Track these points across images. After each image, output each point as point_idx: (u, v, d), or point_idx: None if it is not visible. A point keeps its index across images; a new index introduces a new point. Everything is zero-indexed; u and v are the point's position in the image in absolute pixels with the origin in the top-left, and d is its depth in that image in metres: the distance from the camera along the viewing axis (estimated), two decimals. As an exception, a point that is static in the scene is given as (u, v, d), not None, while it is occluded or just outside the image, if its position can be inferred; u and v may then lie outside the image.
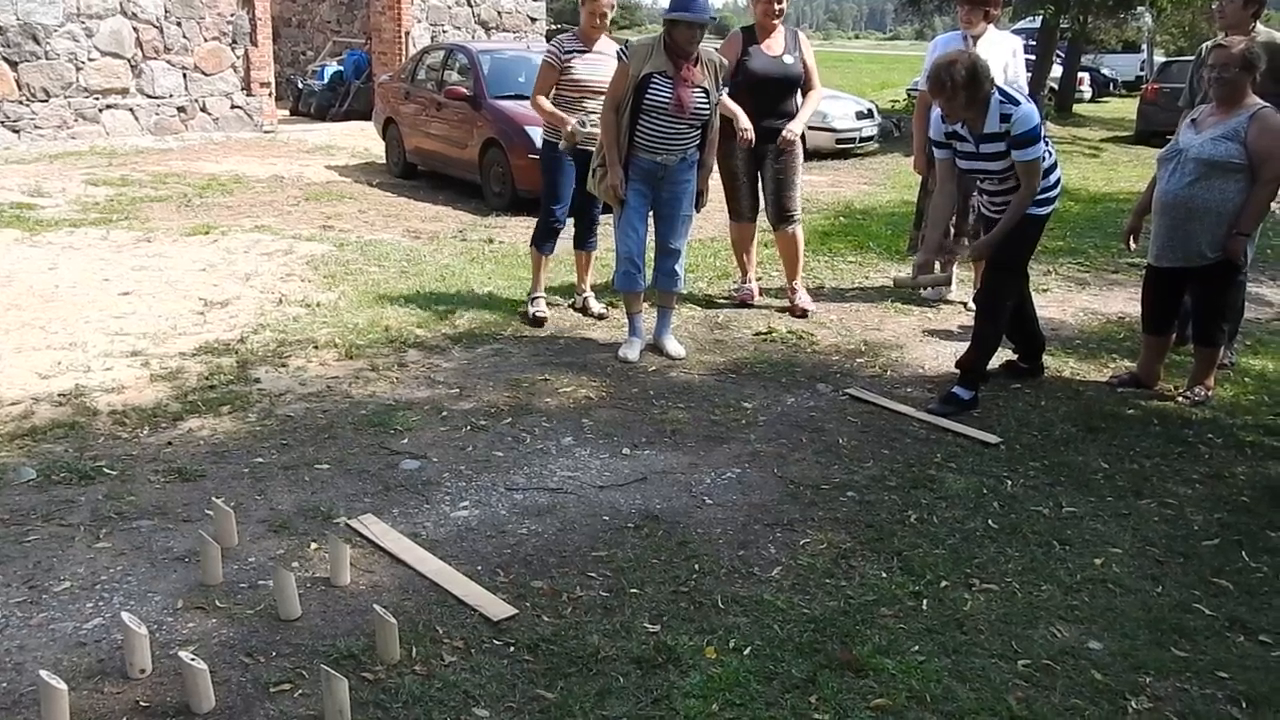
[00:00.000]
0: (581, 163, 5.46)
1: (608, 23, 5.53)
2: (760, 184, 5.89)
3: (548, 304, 5.75)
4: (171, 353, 4.92)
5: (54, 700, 2.30)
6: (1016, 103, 4.28)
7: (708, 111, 4.95)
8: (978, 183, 4.75)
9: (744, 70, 5.62)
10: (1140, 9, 20.74)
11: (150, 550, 3.14)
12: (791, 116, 5.73)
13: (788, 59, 5.68)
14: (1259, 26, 5.16)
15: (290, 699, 2.49)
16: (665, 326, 5.26)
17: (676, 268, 5.20)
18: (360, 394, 4.49)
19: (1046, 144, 4.45)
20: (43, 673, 2.33)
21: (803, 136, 5.86)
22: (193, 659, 2.42)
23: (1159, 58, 27.84)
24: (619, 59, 5.03)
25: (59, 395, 4.34)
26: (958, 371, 4.65)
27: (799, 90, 5.80)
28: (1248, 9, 5.02)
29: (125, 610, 2.72)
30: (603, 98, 5.37)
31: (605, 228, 6.21)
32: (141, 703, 2.45)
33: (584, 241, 5.83)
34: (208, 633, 2.74)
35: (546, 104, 5.48)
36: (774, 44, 5.69)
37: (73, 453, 3.80)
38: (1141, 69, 30.33)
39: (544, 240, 5.70)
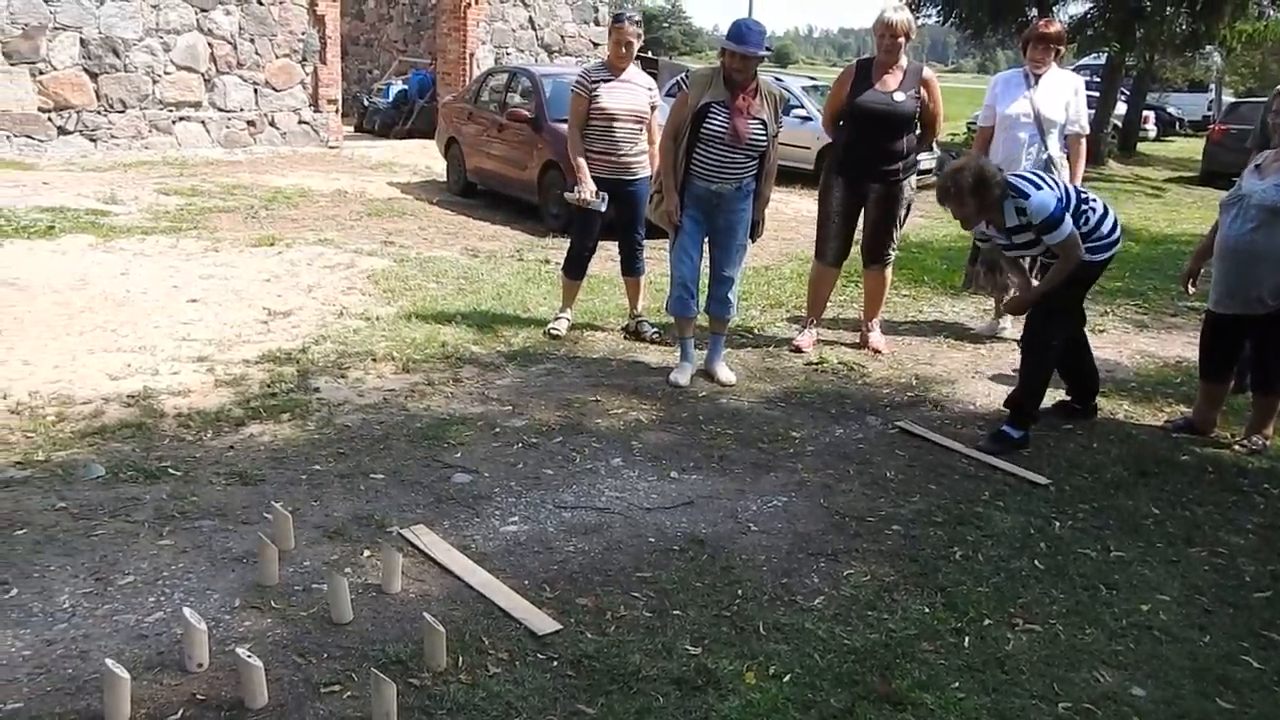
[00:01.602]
0: (616, 192, 5.64)
1: (634, 51, 5.62)
2: (855, 224, 5.79)
3: (602, 328, 5.84)
4: (235, 359, 5.06)
5: (117, 688, 2.40)
6: (1026, 194, 4.29)
7: (764, 142, 4.99)
8: None
9: (850, 104, 5.56)
10: (1209, 48, 20.49)
11: (210, 549, 3.24)
12: (901, 156, 5.59)
13: (899, 96, 5.49)
14: None
15: (339, 700, 2.56)
16: (717, 353, 5.30)
17: (730, 295, 5.26)
18: (416, 407, 4.59)
19: (1087, 201, 4.48)
20: (109, 661, 2.43)
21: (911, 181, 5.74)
22: (249, 656, 2.51)
23: (1227, 97, 27.46)
24: (680, 87, 5.13)
25: (128, 396, 4.49)
26: (1007, 410, 4.64)
27: (912, 129, 5.62)
28: None
29: (186, 606, 2.81)
30: (630, 125, 5.57)
31: (657, 252, 6.31)
32: (198, 696, 2.53)
33: (630, 267, 5.92)
34: (263, 631, 2.82)
35: (576, 150, 5.63)
36: (890, 80, 5.51)
37: (140, 452, 3.93)
38: (1209, 109, 29.96)
39: (573, 268, 5.87)
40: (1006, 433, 4.50)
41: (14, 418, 4.20)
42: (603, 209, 5.63)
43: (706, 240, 5.21)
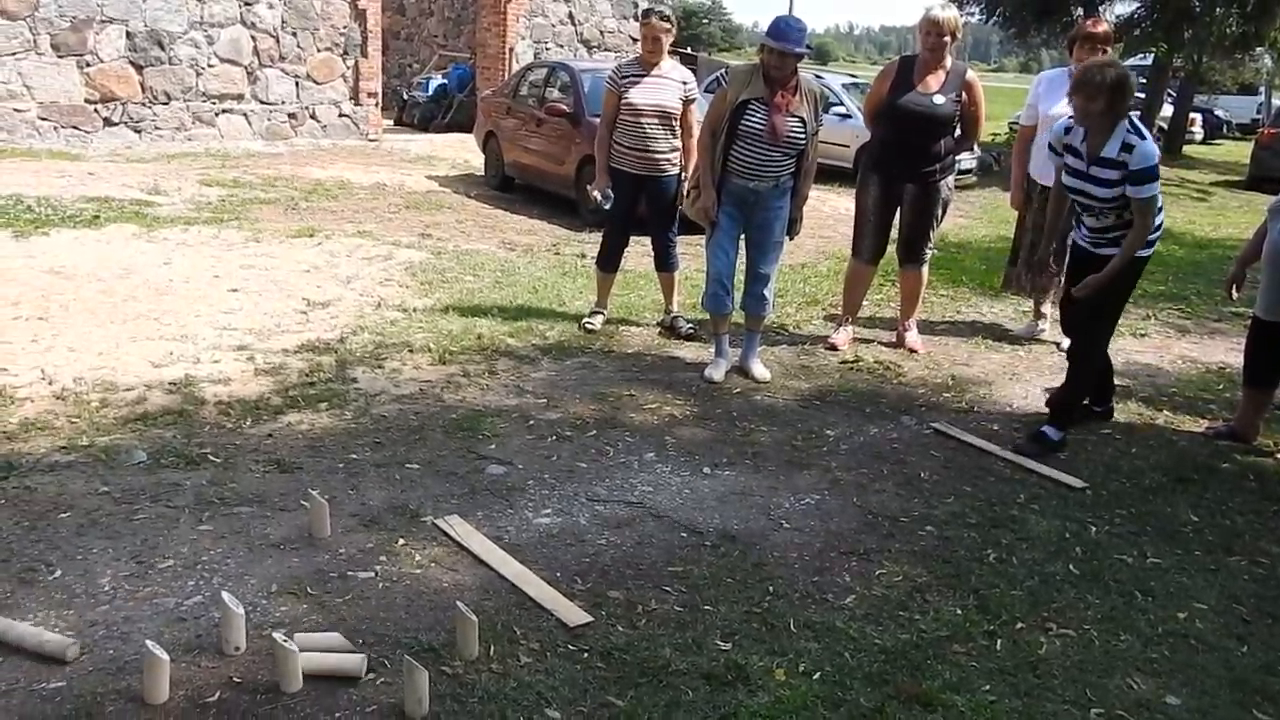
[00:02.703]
0: (646, 188, 5.69)
1: (664, 46, 5.60)
2: (890, 222, 5.76)
3: (637, 323, 5.86)
4: (275, 349, 5.13)
5: (157, 669, 2.44)
6: (1143, 137, 4.20)
7: (803, 140, 4.97)
8: (1077, 209, 4.58)
9: (889, 104, 5.50)
10: (1260, 50, 20.14)
11: (249, 535, 3.29)
12: (938, 157, 5.53)
13: (939, 99, 5.42)
14: None
15: (373, 686, 2.59)
16: (751, 350, 5.30)
17: (765, 292, 5.24)
18: (451, 399, 4.62)
19: None
20: (149, 643, 2.47)
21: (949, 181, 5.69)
22: (285, 640, 2.54)
23: (1277, 101, 26.96)
24: (719, 83, 5.13)
25: (170, 384, 4.56)
26: (1046, 411, 4.60)
27: (951, 131, 5.55)
28: None
29: (224, 590, 2.86)
30: (659, 120, 5.57)
31: (692, 249, 6.31)
32: (234, 678, 2.58)
33: (664, 263, 5.92)
34: (298, 617, 2.86)
35: (600, 144, 5.71)
36: (932, 81, 5.45)
37: (181, 439, 3.99)
38: (1258, 112, 29.43)
39: (605, 261, 5.90)
40: (1046, 434, 4.45)
41: (59, 403, 4.28)
42: (606, 206, 5.71)
43: (743, 237, 5.20)
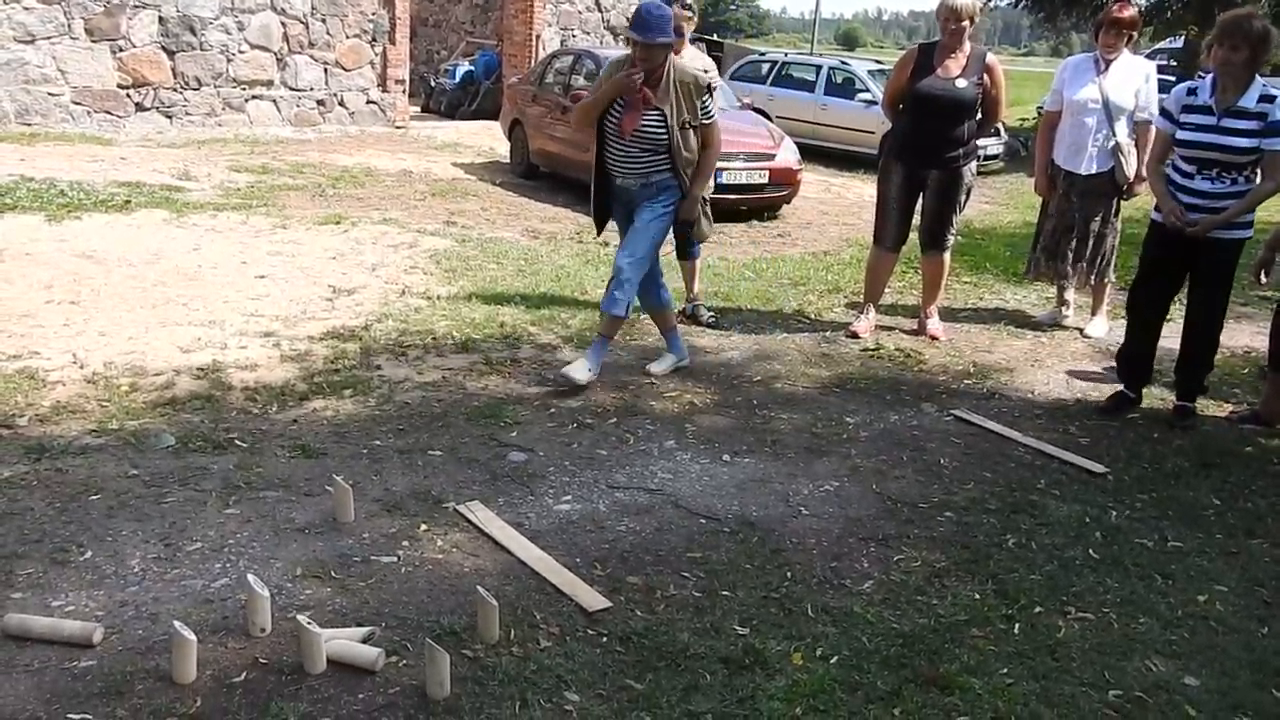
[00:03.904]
0: None
1: (685, 34, 5.56)
2: (913, 209, 5.74)
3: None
4: (301, 335, 5.19)
5: (184, 649, 2.50)
6: (1276, 94, 4.23)
7: (663, 136, 4.59)
8: (1177, 178, 4.51)
9: (911, 90, 5.49)
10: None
11: (274, 519, 3.35)
12: (961, 142, 5.51)
13: (960, 83, 5.41)
14: None
15: (395, 668, 2.64)
16: (595, 353, 4.77)
17: (616, 292, 4.66)
18: (474, 386, 4.66)
19: None
20: (176, 623, 2.53)
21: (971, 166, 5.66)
22: (309, 623, 2.59)
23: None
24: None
25: (198, 369, 4.63)
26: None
27: (974, 116, 5.53)
28: None
29: (250, 573, 2.92)
30: None
31: (714, 237, 6.29)
32: (260, 659, 2.63)
33: (684, 250, 5.93)
34: (323, 600, 2.92)
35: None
36: (952, 66, 5.43)
37: (208, 423, 4.06)
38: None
39: None
40: (1189, 408, 4.73)
41: (90, 387, 4.36)
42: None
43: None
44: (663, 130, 4.58)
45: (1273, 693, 2.74)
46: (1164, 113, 4.59)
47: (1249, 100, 4.21)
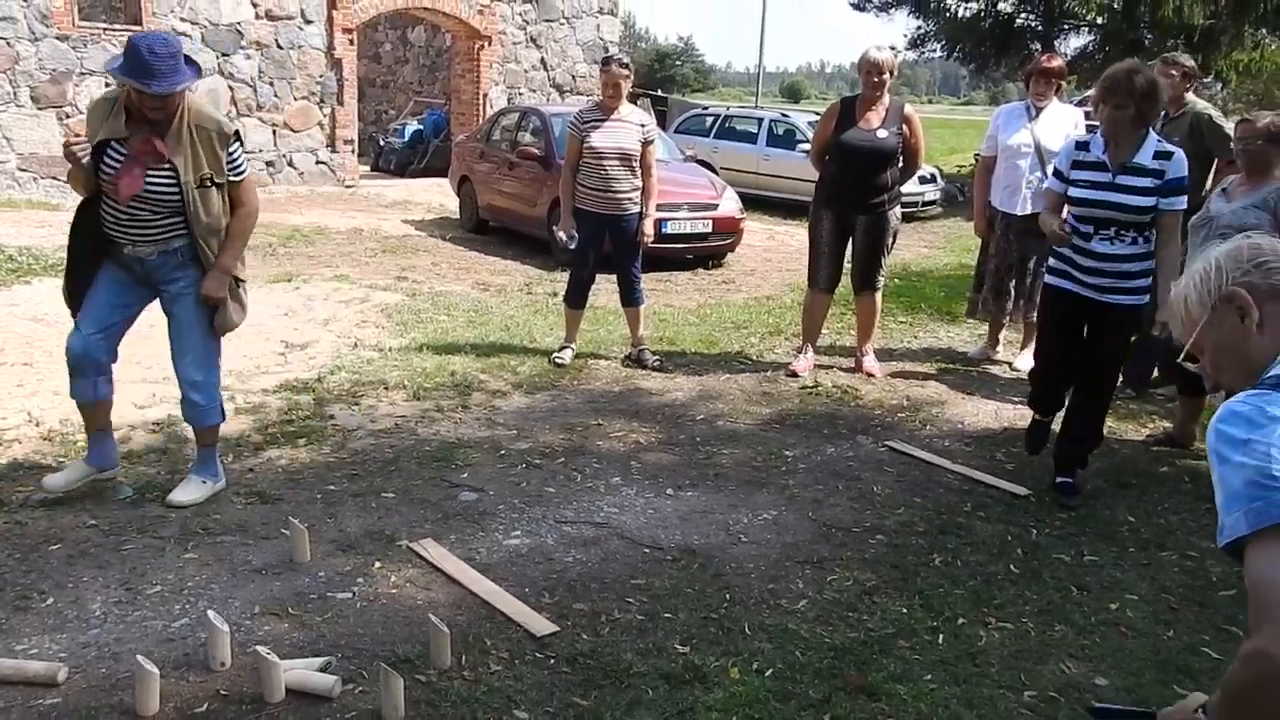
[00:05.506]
0: (610, 227, 5.93)
1: (623, 92, 5.86)
2: (844, 252, 6.01)
3: (601, 356, 6.06)
4: (255, 389, 5.31)
5: (147, 683, 2.61)
6: (1174, 151, 4.08)
7: (174, 195, 3.64)
8: (1077, 238, 4.17)
9: (835, 141, 5.77)
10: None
11: (232, 562, 3.46)
12: (885, 188, 5.77)
13: (882, 133, 5.69)
14: (1189, 97, 5.71)
15: (352, 695, 2.76)
16: (194, 468, 4.04)
17: (195, 396, 3.98)
18: (425, 432, 4.81)
19: None
20: (139, 657, 2.65)
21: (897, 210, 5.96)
22: (268, 653, 2.72)
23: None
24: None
25: (153, 424, 4.73)
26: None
27: (895, 163, 5.80)
28: (1184, 81, 5.65)
29: (210, 610, 3.03)
30: (620, 161, 5.81)
31: (659, 284, 6.50)
32: (222, 691, 2.74)
33: (629, 298, 6.15)
34: (281, 635, 3.03)
35: (565, 187, 5.97)
36: (873, 117, 5.71)
37: (164, 474, 4.16)
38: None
39: (573, 296, 6.12)
40: (1070, 485, 4.32)
41: (46, 444, 4.45)
42: (571, 247, 6.00)
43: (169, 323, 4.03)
44: (174, 189, 3.65)
45: (1174, 688, 2.94)
46: (1055, 173, 4.32)
47: (1144, 157, 4.03)
